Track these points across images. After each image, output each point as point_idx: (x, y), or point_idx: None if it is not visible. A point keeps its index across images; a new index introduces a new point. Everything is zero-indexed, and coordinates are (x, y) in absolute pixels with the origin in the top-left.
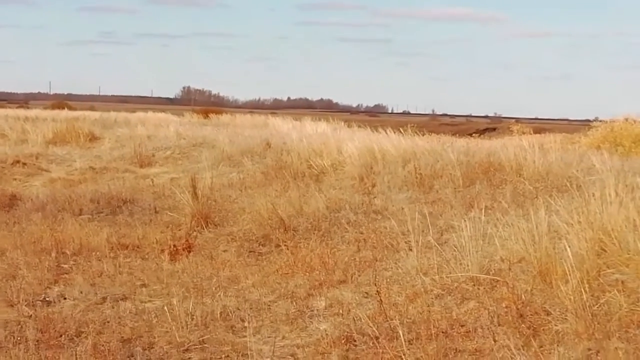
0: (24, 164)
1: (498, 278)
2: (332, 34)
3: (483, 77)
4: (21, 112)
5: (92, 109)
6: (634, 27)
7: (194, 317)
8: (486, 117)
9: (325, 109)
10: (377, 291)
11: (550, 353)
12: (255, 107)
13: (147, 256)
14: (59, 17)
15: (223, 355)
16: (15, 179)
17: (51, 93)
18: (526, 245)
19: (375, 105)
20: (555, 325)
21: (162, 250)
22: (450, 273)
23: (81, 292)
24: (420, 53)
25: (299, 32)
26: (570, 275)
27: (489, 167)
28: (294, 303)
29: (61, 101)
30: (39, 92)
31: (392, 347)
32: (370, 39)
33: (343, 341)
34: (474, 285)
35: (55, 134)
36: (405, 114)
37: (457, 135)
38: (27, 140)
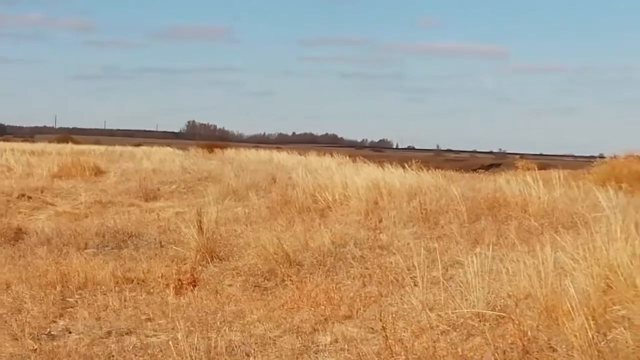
0: (30, 197)
1: (504, 314)
2: (335, 68)
3: (487, 113)
4: (27, 146)
5: (97, 143)
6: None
7: (199, 351)
8: (491, 152)
9: (330, 143)
10: (383, 327)
11: None
12: (260, 141)
13: (152, 290)
14: (64, 52)
15: None
16: (20, 213)
17: (56, 127)
18: (532, 282)
19: (380, 140)
20: None
21: (167, 285)
22: (456, 309)
23: (86, 326)
24: (424, 88)
25: (304, 67)
26: (576, 312)
27: (494, 203)
28: (300, 338)
29: (66, 135)
30: (44, 126)
31: None
32: (373, 74)
33: None
34: (480, 321)
35: (60, 168)
36: (410, 149)
37: (462, 170)
38: (32, 174)
